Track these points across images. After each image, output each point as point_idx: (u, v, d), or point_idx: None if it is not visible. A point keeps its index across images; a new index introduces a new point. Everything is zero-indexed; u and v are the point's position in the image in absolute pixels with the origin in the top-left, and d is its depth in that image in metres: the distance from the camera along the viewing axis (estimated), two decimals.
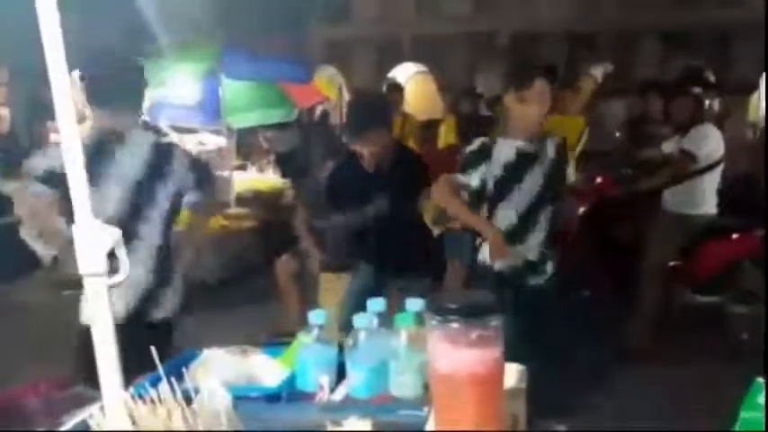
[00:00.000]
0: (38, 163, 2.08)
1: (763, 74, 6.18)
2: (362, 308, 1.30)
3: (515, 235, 2.50)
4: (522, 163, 2.50)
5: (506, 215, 2.51)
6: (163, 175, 2.13)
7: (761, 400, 0.84)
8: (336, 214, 3.00)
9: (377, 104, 3.16)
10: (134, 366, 1.10)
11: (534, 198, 2.52)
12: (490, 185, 2.50)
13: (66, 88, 0.89)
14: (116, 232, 0.88)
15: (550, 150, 2.56)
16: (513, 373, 1.15)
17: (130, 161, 2.09)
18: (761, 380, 0.86)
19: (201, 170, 2.33)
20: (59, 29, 0.91)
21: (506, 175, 2.49)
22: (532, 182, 2.51)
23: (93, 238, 0.86)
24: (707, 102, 3.92)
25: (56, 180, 2.13)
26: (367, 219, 2.87)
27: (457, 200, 2.55)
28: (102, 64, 2.15)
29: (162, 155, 2.16)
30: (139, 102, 2.31)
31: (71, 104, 0.89)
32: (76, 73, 2.15)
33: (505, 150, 2.49)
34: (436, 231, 3.51)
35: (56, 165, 2.13)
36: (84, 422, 0.97)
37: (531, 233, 2.53)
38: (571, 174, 2.80)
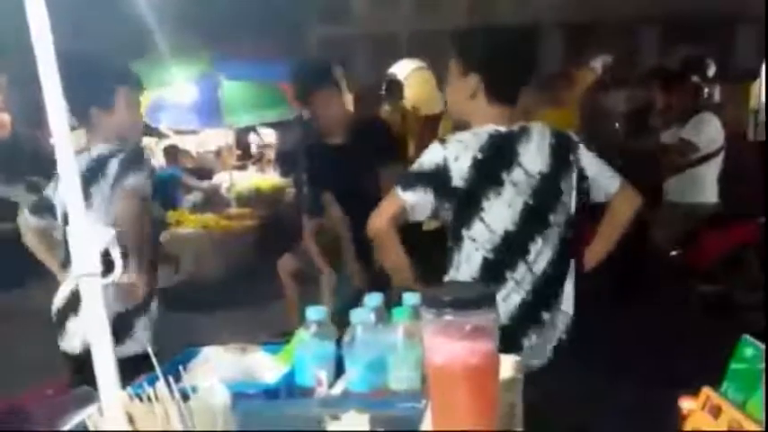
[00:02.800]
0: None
1: (764, 62, 6.16)
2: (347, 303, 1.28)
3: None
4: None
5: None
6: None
7: (749, 353, 0.90)
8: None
9: (320, 65, 3.20)
10: None
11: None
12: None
13: (57, 93, 0.89)
14: (109, 232, 0.89)
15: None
16: (509, 365, 1.16)
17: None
18: (748, 336, 0.91)
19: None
20: (50, 35, 0.91)
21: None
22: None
23: (86, 238, 0.86)
24: (706, 90, 3.92)
25: (44, 210, 2.15)
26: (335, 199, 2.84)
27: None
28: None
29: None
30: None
31: (63, 107, 0.90)
32: None
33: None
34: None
35: (46, 194, 2.14)
36: (83, 423, 0.98)
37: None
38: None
